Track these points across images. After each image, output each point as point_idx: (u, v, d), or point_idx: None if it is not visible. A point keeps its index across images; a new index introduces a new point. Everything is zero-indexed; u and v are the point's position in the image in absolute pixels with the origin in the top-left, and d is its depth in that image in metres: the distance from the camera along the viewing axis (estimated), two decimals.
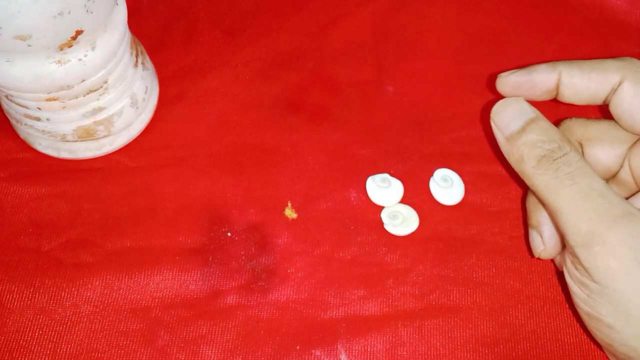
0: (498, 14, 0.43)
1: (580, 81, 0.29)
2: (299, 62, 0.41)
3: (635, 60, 0.28)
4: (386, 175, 0.36)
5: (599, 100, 0.29)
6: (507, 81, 0.30)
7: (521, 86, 0.30)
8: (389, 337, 0.33)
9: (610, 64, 0.28)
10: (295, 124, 0.39)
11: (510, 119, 0.28)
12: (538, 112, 0.28)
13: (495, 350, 0.32)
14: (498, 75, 0.31)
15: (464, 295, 0.34)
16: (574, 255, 0.26)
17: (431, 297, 0.34)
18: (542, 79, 0.29)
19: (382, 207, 0.36)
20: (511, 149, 0.28)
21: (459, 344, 0.32)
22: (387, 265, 0.34)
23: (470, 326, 0.33)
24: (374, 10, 0.43)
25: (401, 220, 0.35)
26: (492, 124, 0.29)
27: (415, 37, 0.42)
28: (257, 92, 0.40)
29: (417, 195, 0.36)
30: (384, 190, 0.36)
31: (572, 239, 0.26)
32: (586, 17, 0.43)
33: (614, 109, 0.29)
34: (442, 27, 0.43)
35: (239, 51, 0.42)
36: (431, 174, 0.37)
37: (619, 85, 0.28)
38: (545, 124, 0.28)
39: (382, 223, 0.35)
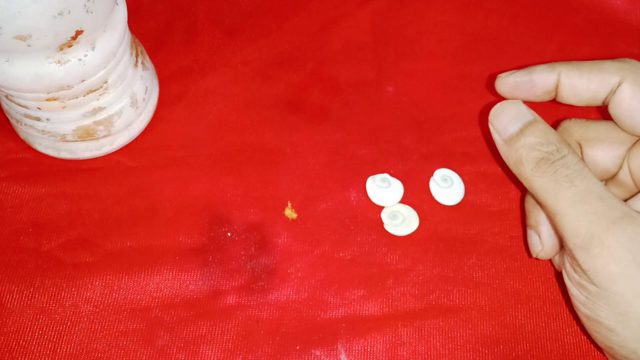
0: (498, 14, 0.43)
1: (579, 82, 0.29)
2: (299, 62, 0.41)
3: (634, 62, 0.28)
4: (386, 175, 0.36)
5: (598, 101, 0.29)
6: (506, 82, 0.30)
7: (520, 87, 0.30)
8: (389, 337, 0.33)
9: (609, 65, 0.28)
10: (295, 124, 0.39)
11: (509, 122, 0.28)
12: (536, 115, 0.28)
13: (495, 350, 0.32)
14: (497, 76, 0.31)
15: (464, 295, 0.34)
16: (573, 257, 0.26)
17: (431, 297, 0.34)
18: (541, 79, 0.29)
19: (382, 207, 0.36)
20: (509, 151, 0.28)
21: (459, 344, 0.32)
22: (387, 265, 0.34)
23: (470, 326, 0.33)
24: (374, 10, 0.43)
25: (401, 220, 0.35)
26: (490, 126, 0.29)
27: (415, 37, 0.42)
28: (257, 92, 0.40)
29: (417, 195, 0.36)
30: (384, 190, 0.36)
31: (571, 241, 0.26)
32: (586, 17, 0.43)
33: (613, 110, 0.29)
34: (442, 27, 0.43)
35: (239, 51, 0.42)
36: (431, 174, 0.37)
37: (618, 86, 0.28)
38: (543, 126, 0.27)
39: (382, 223, 0.35)
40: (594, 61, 0.29)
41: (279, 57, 0.41)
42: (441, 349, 0.32)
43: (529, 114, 0.28)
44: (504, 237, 0.35)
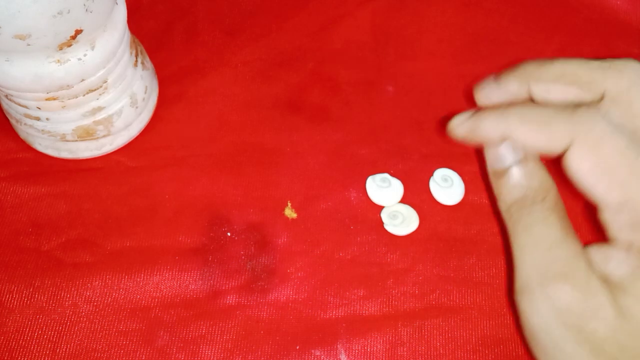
0: (498, 14, 0.43)
1: (528, 137, 0.27)
2: (299, 62, 0.41)
3: (593, 112, 0.26)
4: (386, 175, 0.36)
5: (553, 155, 0.27)
6: (457, 127, 0.29)
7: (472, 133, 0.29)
8: (389, 337, 0.33)
9: (561, 121, 0.26)
10: (295, 124, 0.39)
11: (498, 157, 0.28)
12: (527, 154, 0.27)
13: (495, 350, 0.32)
14: (448, 123, 0.29)
15: (464, 295, 0.34)
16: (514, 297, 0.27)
17: (431, 297, 0.34)
18: (489, 130, 0.28)
19: (382, 207, 0.36)
20: (494, 182, 0.28)
21: (459, 344, 0.32)
22: (387, 265, 0.34)
23: (470, 326, 0.33)
24: (374, 10, 0.43)
25: (401, 220, 0.35)
26: (485, 153, 0.28)
27: (415, 37, 0.42)
28: (257, 92, 0.40)
29: (417, 195, 0.36)
30: (384, 190, 0.36)
31: (516, 281, 0.26)
32: (586, 17, 0.43)
33: (565, 169, 0.27)
34: (442, 27, 0.43)
35: (239, 51, 0.42)
36: (431, 174, 0.37)
37: (570, 145, 0.26)
38: (529, 168, 0.27)
39: (382, 223, 0.35)
40: (549, 111, 0.27)
41: (279, 57, 0.41)
42: (441, 349, 0.32)
43: (517, 154, 0.27)
44: (504, 237, 0.35)
